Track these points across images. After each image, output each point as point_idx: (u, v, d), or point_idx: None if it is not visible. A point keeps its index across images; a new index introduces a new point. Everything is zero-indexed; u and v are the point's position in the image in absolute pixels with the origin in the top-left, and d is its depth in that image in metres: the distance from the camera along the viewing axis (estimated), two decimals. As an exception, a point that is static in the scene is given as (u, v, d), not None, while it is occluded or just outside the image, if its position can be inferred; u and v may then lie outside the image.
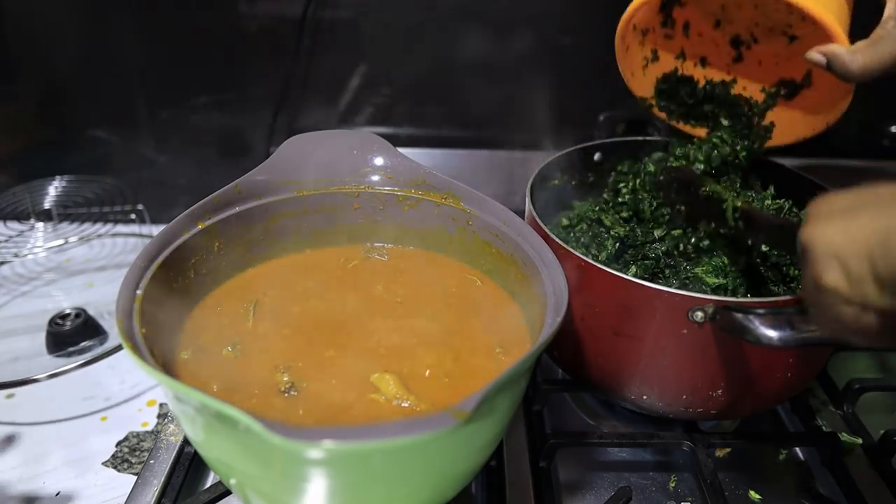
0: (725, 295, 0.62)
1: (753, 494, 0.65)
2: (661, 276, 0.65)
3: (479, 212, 0.65)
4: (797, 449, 0.71)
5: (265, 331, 0.59)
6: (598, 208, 0.72)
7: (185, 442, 0.65)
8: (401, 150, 0.69)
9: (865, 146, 1.04)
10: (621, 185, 0.75)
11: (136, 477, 0.63)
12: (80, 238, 1.00)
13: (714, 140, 0.72)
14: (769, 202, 0.68)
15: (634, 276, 0.61)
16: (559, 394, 0.76)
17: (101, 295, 0.94)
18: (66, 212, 1.02)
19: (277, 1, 0.99)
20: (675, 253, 0.65)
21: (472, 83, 1.06)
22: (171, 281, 0.56)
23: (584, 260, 0.59)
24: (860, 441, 0.69)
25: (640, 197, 0.71)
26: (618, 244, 0.67)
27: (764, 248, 0.63)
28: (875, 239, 0.37)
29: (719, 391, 0.59)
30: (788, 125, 0.74)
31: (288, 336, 0.59)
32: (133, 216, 1.03)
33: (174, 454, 0.64)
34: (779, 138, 0.75)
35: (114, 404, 0.77)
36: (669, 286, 0.57)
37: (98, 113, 1.08)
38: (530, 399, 0.72)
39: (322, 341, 0.58)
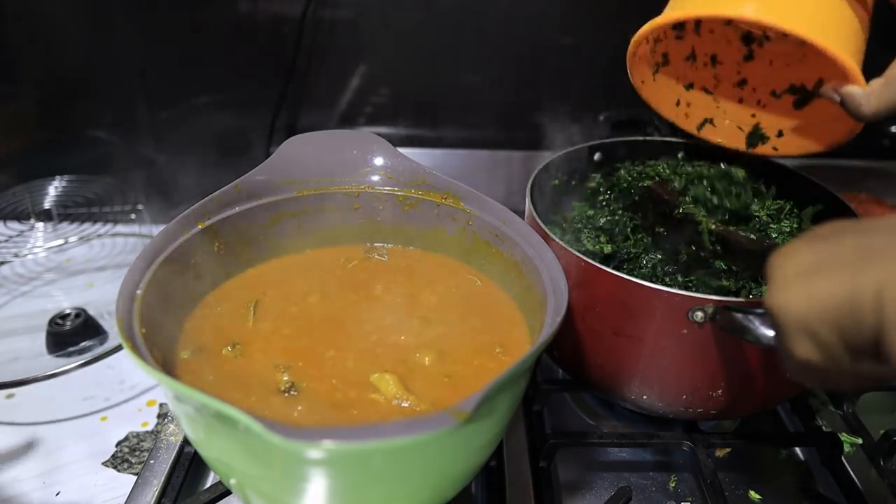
0: (726, 295, 0.62)
1: (753, 494, 0.65)
2: (659, 282, 0.65)
3: (479, 212, 0.65)
4: (797, 449, 0.71)
5: (265, 331, 0.59)
6: (578, 225, 0.71)
7: (185, 442, 0.65)
8: (401, 150, 0.69)
9: (865, 146, 1.04)
10: (598, 203, 0.73)
11: (136, 477, 0.63)
12: (80, 238, 1.00)
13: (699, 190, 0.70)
14: (769, 202, 0.68)
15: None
16: (559, 394, 0.76)
17: (101, 295, 0.94)
18: (66, 212, 1.02)
19: (277, 1, 1.00)
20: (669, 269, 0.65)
21: (472, 83, 1.06)
22: (171, 281, 0.56)
23: (584, 260, 0.59)
24: (860, 441, 0.69)
25: (617, 218, 0.70)
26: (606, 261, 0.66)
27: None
28: (840, 305, 0.34)
29: (719, 391, 0.59)
30: (796, 136, 0.73)
31: (288, 336, 0.59)
32: (133, 216, 1.03)
33: (174, 454, 0.64)
34: (785, 148, 0.73)
35: (114, 404, 0.77)
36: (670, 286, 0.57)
37: (98, 113, 1.08)
38: (530, 399, 0.72)
39: (322, 341, 0.58)
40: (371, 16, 1.01)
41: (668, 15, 0.63)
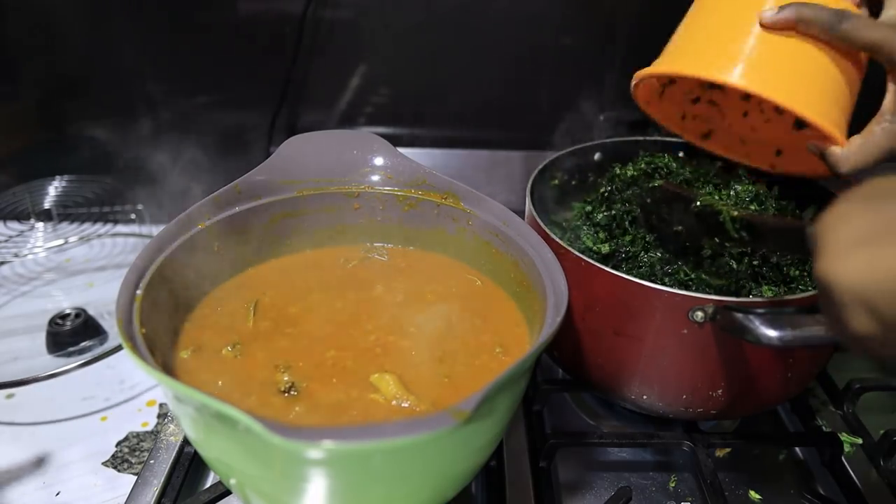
0: (726, 295, 0.62)
1: (753, 494, 0.65)
2: (658, 282, 0.65)
3: (479, 212, 0.65)
4: (797, 449, 0.71)
5: (265, 331, 0.59)
6: (578, 223, 0.71)
7: (185, 442, 0.65)
8: (401, 150, 0.69)
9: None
10: (598, 198, 0.73)
11: (136, 477, 0.62)
12: (80, 238, 1.01)
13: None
14: (772, 202, 0.68)
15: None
16: (559, 394, 0.76)
17: (101, 295, 0.94)
18: (66, 212, 1.03)
19: (277, 1, 1.00)
20: (669, 268, 0.64)
21: (472, 83, 1.06)
22: (172, 281, 0.56)
23: (584, 260, 0.59)
24: (860, 441, 0.69)
25: (614, 213, 0.69)
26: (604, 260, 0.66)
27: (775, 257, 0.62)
28: None
29: (719, 391, 0.59)
30: (793, 156, 0.73)
31: (288, 336, 0.59)
32: (133, 216, 1.03)
33: (174, 454, 0.64)
34: (783, 166, 0.73)
35: (114, 404, 0.77)
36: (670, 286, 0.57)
37: (98, 113, 1.08)
38: (530, 399, 0.72)
39: (322, 341, 0.58)
40: (371, 16, 1.01)
41: (657, 68, 0.65)
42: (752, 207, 0.65)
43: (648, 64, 0.66)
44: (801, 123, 0.73)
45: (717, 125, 0.77)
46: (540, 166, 0.74)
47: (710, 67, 0.60)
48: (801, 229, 0.44)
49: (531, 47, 1.03)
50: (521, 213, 0.65)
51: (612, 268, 0.58)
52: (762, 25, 0.58)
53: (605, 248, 0.67)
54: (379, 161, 0.69)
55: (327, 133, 0.69)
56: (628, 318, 0.58)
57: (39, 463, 0.69)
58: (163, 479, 0.61)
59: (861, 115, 0.60)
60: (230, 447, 0.45)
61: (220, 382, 0.53)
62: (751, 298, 0.61)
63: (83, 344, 0.83)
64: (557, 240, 0.60)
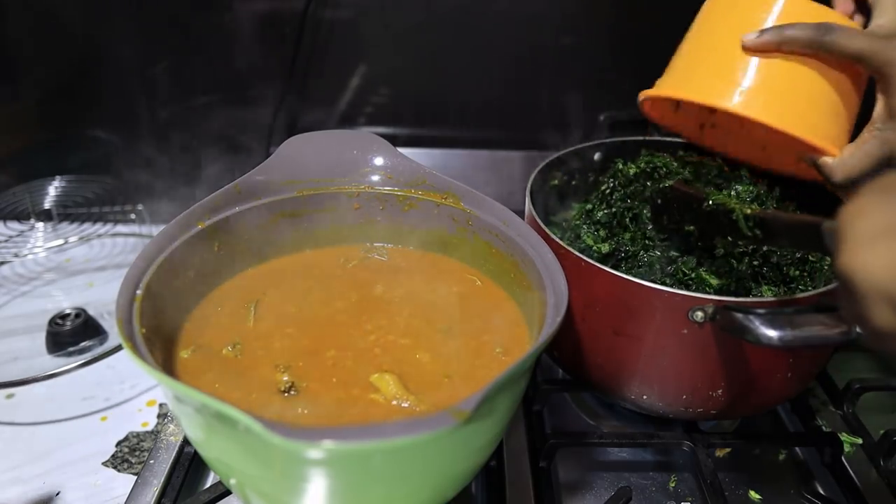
0: (727, 295, 0.62)
1: (753, 494, 0.65)
2: (658, 281, 0.65)
3: (479, 212, 0.65)
4: (797, 449, 0.71)
5: (265, 331, 0.59)
6: (576, 222, 0.71)
7: (185, 442, 0.65)
8: (401, 150, 0.69)
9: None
10: (598, 195, 0.73)
11: (136, 477, 0.63)
12: (80, 238, 1.01)
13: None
14: (773, 203, 0.68)
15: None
16: (559, 394, 0.76)
17: (101, 295, 0.94)
18: (66, 212, 1.02)
19: (278, 1, 1.00)
20: (672, 269, 0.64)
21: (472, 83, 1.06)
22: (171, 281, 0.56)
23: (584, 259, 0.59)
24: (860, 441, 0.69)
25: (614, 210, 0.69)
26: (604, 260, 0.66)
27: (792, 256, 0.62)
28: None
29: (719, 391, 0.59)
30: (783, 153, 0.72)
31: (288, 336, 0.59)
32: (133, 216, 1.03)
33: (174, 454, 0.64)
34: (805, 171, 0.72)
35: (114, 404, 0.77)
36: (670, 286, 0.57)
37: (98, 113, 1.08)
38: (530, 399, 0.72)
39: (322, 341, 0.58)
40: (371, 16, 1.01)
41: (659, 90, 0.65)
42: (753, 206, 0.65)
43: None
44: None
45: (735, 133, 0.77)
46: (540, 166, 0.75)
47: (700, 91, 0.62)
48: (816, 225, 0.44)
49: (531, 47, 1.03)
50: (521, 213, 0.65)
51: (612, 267, 0.58)
52: (745, 49, 0.59)
53: (606, 248, 0.67)
54: (379, 161, 0.69)
55: (327, 133, 0.69)
56: (628, 317, 0.58)
57: (39, 463, 0.69)
58: (163, 479, 0.61)
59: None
60: (230, 447, 0.45)
61: (220, 382, 0.53)
62: (751, 298, 0.61)
63: (83, 344, 0.83)
64: (557, 240, 0.60)
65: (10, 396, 0.77)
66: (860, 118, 0.62)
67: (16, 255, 0.98)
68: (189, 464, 0.64)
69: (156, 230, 0.94)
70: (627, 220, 0.68)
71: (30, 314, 0.90)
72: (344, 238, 0.70)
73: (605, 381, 0.64)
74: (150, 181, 1.09)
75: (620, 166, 0.73)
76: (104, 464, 0.69)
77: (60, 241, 1.00)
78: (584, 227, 0.70)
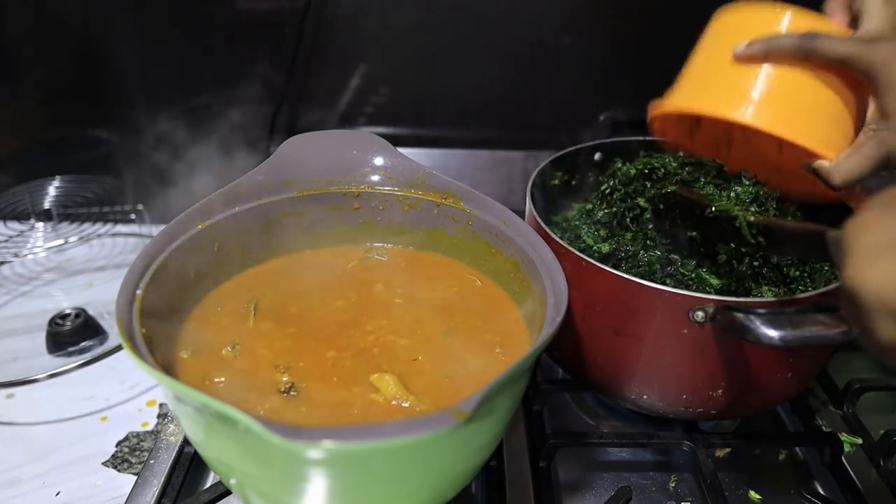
0: (727, 295, 0.62)
1: (753, 494, 0.65)
2: (658, 281, 0.65)
3: (479, 212, 0.65)
4: (797, 449, 0.71)
5: (265, 331, 0.59)
6: (576, 222, 0.71)
7: (185, 442, 0.65)
8: (401, 150, 0.69)
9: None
10: (598, 195, 0.72)
11: (136, 477, 0.62)
12: (80, 238, 1.00)
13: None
14: (773, 204, 0.68)
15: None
16: (559, 394, 0.76)
17: (101, 295, 0.94)
18: (66, 212, 1.02)
19: (278, 0, 1.00)
20: (672, 268, 0.64)
21: (472, 83, 1.06)
22: (171, 281, 0.56)
23: (584, 259, 0.59)
24: (860, 441, 0.69)
25: (615, 210, 0.69)
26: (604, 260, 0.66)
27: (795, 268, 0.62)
28: None
29: (719, 391, 0.59)
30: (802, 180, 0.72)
31: (288, 336, 0.59)
32: (133, 216, 1.03)
33: (174, 454, 0.64)
34: (819, 192, 0.72)
35: (114, 404, 0.77)
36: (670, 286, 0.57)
37: (98, 113, 1.08)
38: (530, 399, 0.72)
39: (322, 341, 0.58)
40: (371, 16, 1.01)
41: (666, 105, 0.65)
42: (753, 209, 0.65)
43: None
44: None
45: (750, 162, 0.76)
46: (540, 166, 0.75)
47: (695, 101, 0.62)
48: (820, 234, 0.44)
49: (531, 47, 1.03)
50: (521, 213, 0.65)
51: (612, 267, 0.58)
52: (736, 59, 0.60)
53: (606, 248, 0.66)
54: (379, 161, 0.69)
55: (327, 133, 0.69)
56: (628, 317, 0.58)
57: (39, 463, 0.69)
58: (163, 479, 0.61)
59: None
60: (230, 447, 0.45)
61: (219, 383, 0.53)
62: (751, 298, 0.61)
63: (83, 344, 0.83)
64: (557, 239, 0.60)
65: (10, 396, 0.77)
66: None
67: (16, 255, 0.98)
68: (189, 464, 0.64)
69: (156, 230, 0.94)
70: (628, 220, 0.68)
71: (30, 314, 0.90)
72: (344, 238, 0.70)
73: (605, 381, 0.64)
74: (150, 181, 1.10)
75: (619, 166, 0.73)
76: (104, 464, 0.69)
77: (60, 241, 1.00)
78: (585, 227, 0.70)
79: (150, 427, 0.73)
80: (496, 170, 1.09)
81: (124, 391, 0.78)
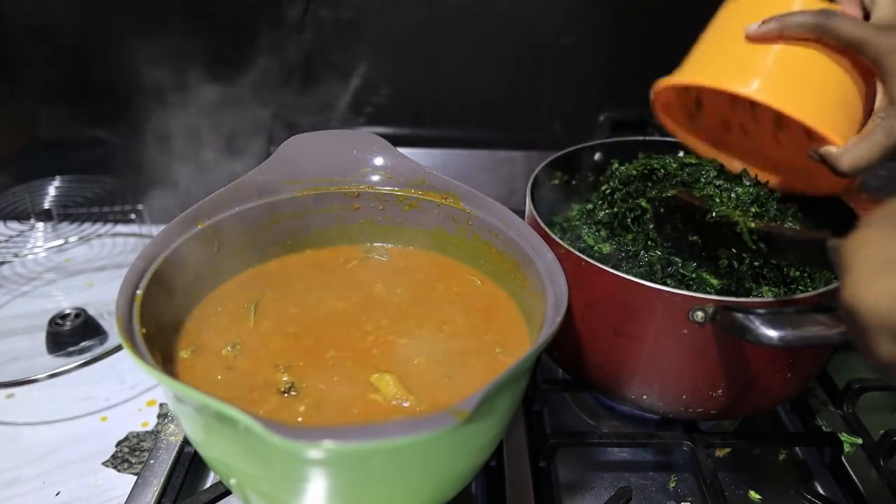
0: (727, 295, 0.62)
1: (753, 494, 0.65)
2: (658, 281, 0.65)
3: (479, 212, 0.65)
4: (797, 449, 0.71)
5: (265, 331, 0.59)
6: (576, 222, 0.71)
7: (185, 442, 0.65)
8: (401, 150, 0.69)
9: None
10: (599, 195, 0.72)
11: (136, 477, 0.62)
12: (80, 238, 1.00)
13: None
14: (773, 204, 0.68)
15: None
16: (559, 394, 0.76)
17: (101, 295, 0.94)
18: (66, 212, 1.02)
19: (277, 1, 1.00)
20: (673, 268, 0.64)
21: (472, 83, 1.06)
22: (171, 281, 0.56)
23: (584, 259, 0.59)
24: (860, 441, 0.69)
25: (616, 210, 0.69)
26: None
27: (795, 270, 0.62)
28: None
29: (719, 391, 0.59)
30: (825, 176, 0.72)
31: (288, 336, 0.59)
32: (133, 216, 1.03)
33: (174, 454, 0.64)
34: (820, 186, 0.71)
35: (114, 404, 0.77)
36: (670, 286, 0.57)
37: (98, 113, 1.08)
38: (530, 399, 0.72)
39: (322, 341, 0.58)
40: (371, 16, 1.01)
41: (672, 78, 0.65)
42: (753, 210, 0.65)
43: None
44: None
45: (749, 151, 0.76)
46: (540, 166, 0.74)
47: (715, 76, 0.61)
48: (821, 242, 0.44)
49: (532, 47, 1.03)
50: (521, 213, 0.65)
51: (612, 267, 0.58)
52: (748, 38, 0.60)
53: (607, 248, 0.66)
54: (379, 161, 0.69)
55: (327, 133, 0.69)
56: (628, 318, 0.58)
57: (39, 463, 0.69)
58: (163, 479, 0.61)
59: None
60: (230, 447, 0.45)
61: (219, 382, 0.53)
62: (751, 299, 0.61)
63: (83, 344, 0.83)
64: (557, 240, 0.60)
65: (10, 396, 0.77)
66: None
67: (16, 255, 0.98)
68: (189, 464, 0.64)
69: (156, 230, 0.94)
70: (629, 220, 0.68)
71: (30, 314, 0.90)
72: (344, 238, 0.70)
73: (605, 381, 0.64)
74: (150, 181, 1.09)
75: (616, 167, 0.73)
76: (104, 464, 0.69)
77: (60, 241, 1.00)
78: (585, 227, 0.70)
79: (150, 427, 0.73)
80: (496, 170, 1.09)
81: (124, 391, 0.78)
